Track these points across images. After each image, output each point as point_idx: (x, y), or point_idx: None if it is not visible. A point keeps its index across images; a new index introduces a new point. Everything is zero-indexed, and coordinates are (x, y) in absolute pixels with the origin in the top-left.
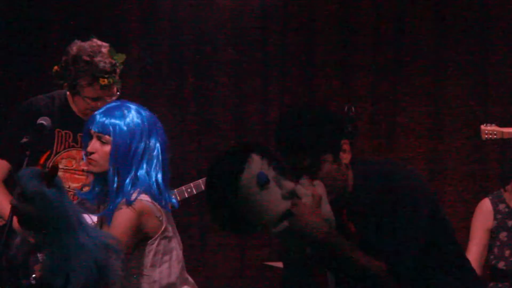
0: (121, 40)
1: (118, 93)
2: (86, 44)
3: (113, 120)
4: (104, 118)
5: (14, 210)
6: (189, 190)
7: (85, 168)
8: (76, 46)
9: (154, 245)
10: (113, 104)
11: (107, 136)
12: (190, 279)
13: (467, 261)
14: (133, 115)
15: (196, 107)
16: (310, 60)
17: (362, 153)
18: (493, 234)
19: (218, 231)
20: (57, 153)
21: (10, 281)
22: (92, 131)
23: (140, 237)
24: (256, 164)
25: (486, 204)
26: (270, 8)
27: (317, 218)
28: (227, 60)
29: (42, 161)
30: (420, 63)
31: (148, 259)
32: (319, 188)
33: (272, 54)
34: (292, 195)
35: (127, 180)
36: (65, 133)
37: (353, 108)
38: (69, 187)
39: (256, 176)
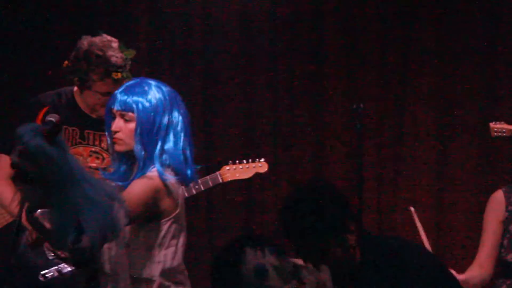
0: (129, 36)
1: None
2: (97, 39)
3: (135, 97)
4: (126, 96)
5: (14, 167)
6: (196, 187)
7: (113, 148)
8: (86, 41)
9: (166, 226)
10: (132, 82)
11: (130, 113)
12: (185, 271)
13: None
14: (153, 90)
15: (204, 103)
16: (318, 57)
17: (371, 154)
18: (503, 226)
19: (225, 230)
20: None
21: (20, 279)
22: (115, 110)
23: (151, 211)
24: (252, 257)
25: (498, 195)
26: (279, 7)
27: None
28: (236, 56)
29: (41, 116)
30: (427, 62)
31: (157, 239)
32: (324, 273)
33: (280, 52)
34: (295, 277)
35: (154, 155)
36: (72, 129)
37: (362, 105)
38: None
39: (254, 269)
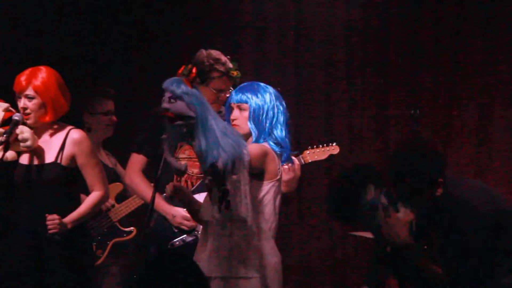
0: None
1: (231, 90)
2: (211, 50)
3: (248, 93)
4: (241, 93)
5: (166, 111)
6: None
7: None
8: (204, 51)
9: (267, 187)
10: (244, 83)
11: (245, 104)
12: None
13: None
14: (262, 89)
15: (295, 104)
16: (384, 70)
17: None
18: None
19: (311, 208)
20: (181, 146)
21: (152, 247)
22: (233, 103)
23: (260, 168)
24: (371, 193)
25: None
26: (353, 18)
27: (403, 231)
28: (320, 64)
29: (180, 71)
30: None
31: (258, 196)
32: (413, 213)
33: (355, 63)
34: (394, 208)
35: (265, 135)
36: None
37: (418, 111)
38: (192, 173)
39: (369, 203)
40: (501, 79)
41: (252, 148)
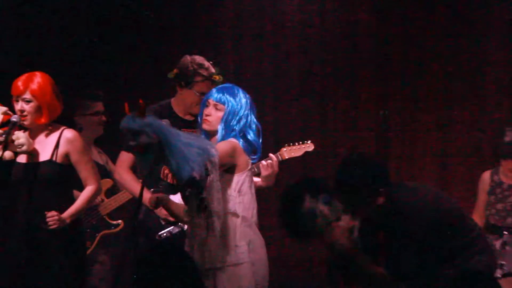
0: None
1: None
2: (195, 56)
3: (228, 96)
4: (221, 93)
5: (133, 150)
6: (254, 169)
7: (201, 127)
8: (189, 56)
9: (242, 177)
10: (226, 85)
11: (221, 105)
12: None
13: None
14: (241, 94)
15: (273, 104)
16: (354, 76)
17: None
18: (488, 195)
19: None
20: None
21: (141, 238)
22: (211, 100)
23: (231, 163)
24: (309, 201)
25: (486, 174)
26: (327, 21)
27: (343, 238)
28: (295, 71)
29: (127, 108)
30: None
31: (236, 187)
32: (356, 220)
33: (328, 69)
34: (335, 216)
35: (232, 136)
36: None
37: (386, 112)
38: None
39: (307, 211)
40: (466, 80)
41: (220, 146)
